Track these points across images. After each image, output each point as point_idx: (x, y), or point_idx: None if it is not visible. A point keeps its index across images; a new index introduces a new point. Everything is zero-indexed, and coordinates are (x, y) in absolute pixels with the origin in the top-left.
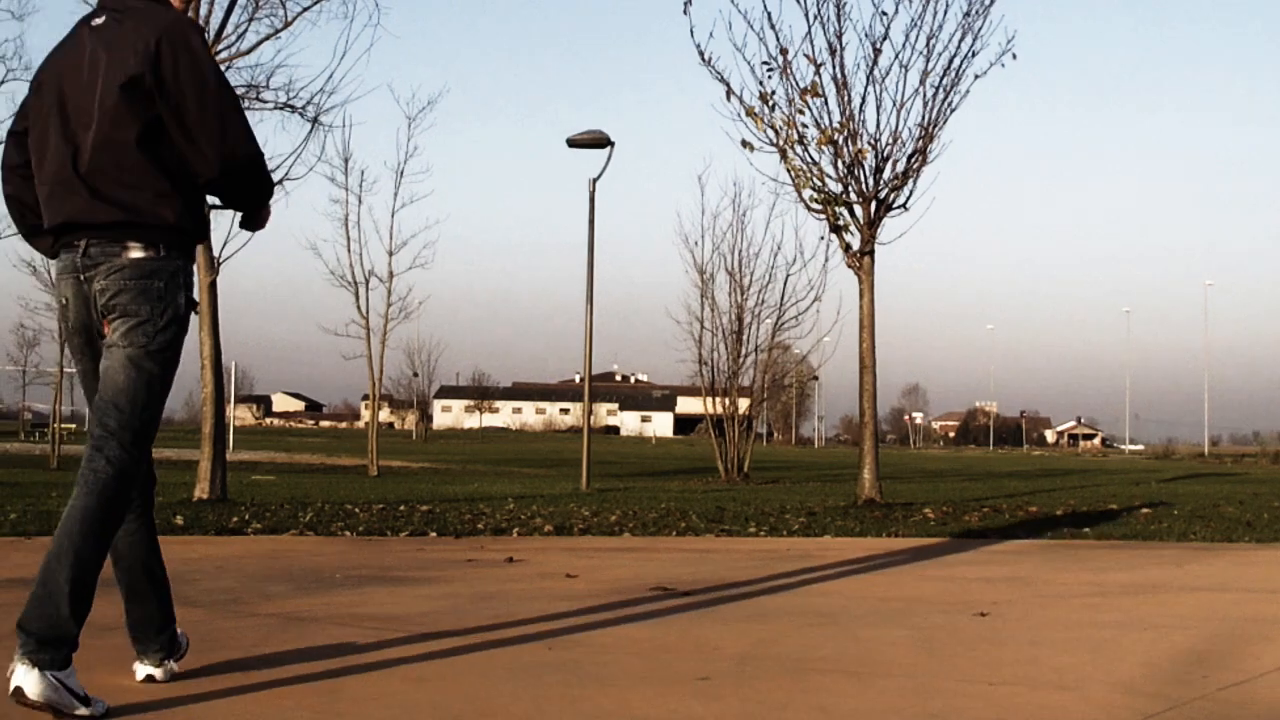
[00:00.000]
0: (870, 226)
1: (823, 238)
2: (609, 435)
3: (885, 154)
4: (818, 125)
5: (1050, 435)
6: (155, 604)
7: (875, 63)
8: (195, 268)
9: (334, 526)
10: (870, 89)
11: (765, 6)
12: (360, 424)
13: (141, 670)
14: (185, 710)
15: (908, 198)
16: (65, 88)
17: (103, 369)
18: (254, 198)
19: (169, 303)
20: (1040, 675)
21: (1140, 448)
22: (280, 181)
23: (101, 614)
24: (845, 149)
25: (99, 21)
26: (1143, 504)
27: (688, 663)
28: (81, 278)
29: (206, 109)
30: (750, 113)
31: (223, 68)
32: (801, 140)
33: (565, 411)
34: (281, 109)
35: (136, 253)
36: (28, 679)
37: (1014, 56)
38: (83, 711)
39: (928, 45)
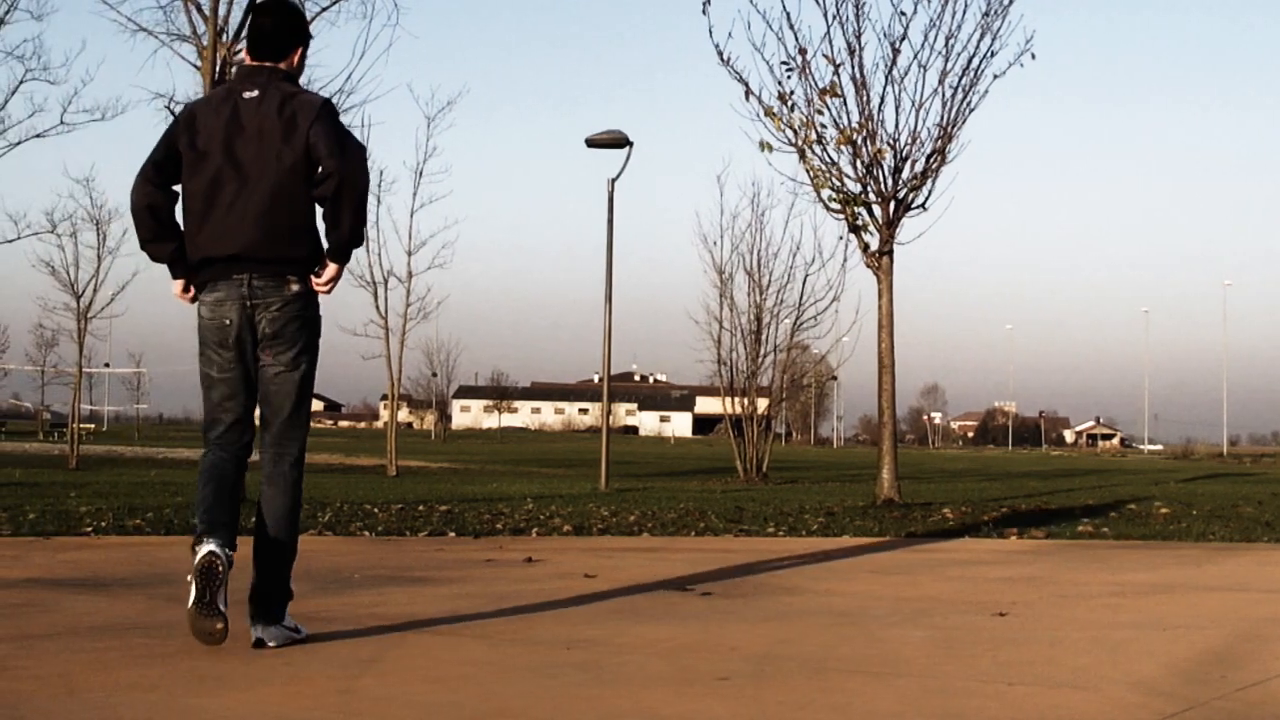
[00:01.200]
0: (889, 226)
1: (841, 238)
2: (628, 435)
3: (904, 154)
4: (836, 125)
5: (1069, 435)
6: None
7: (894, 63)
8: None
9: (353, 526)
10: (889, 89)
11: (784, 6)
12: (379, 424)
13: None
14: (202, 709)
15: (926, 198)
16: (235, 145)
17: (273, 390)
18: (357, 218)
19: (318, 327)
20: (1059, 675)
21: (1159, 448)
22: None
23: (117, 615)
24: (864, 149)
25: (253, 95)
26: (1161, 504)
27: (707, 663)
28: (247, 304)
29: (345, 148)
30: (769, 113)
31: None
32: (820, 140)
33: (584, 411)
34: None
35: (296, 286)
36: (267, 633)
37: (1033, 56)
38: (299, 635)
39: (946, 45)
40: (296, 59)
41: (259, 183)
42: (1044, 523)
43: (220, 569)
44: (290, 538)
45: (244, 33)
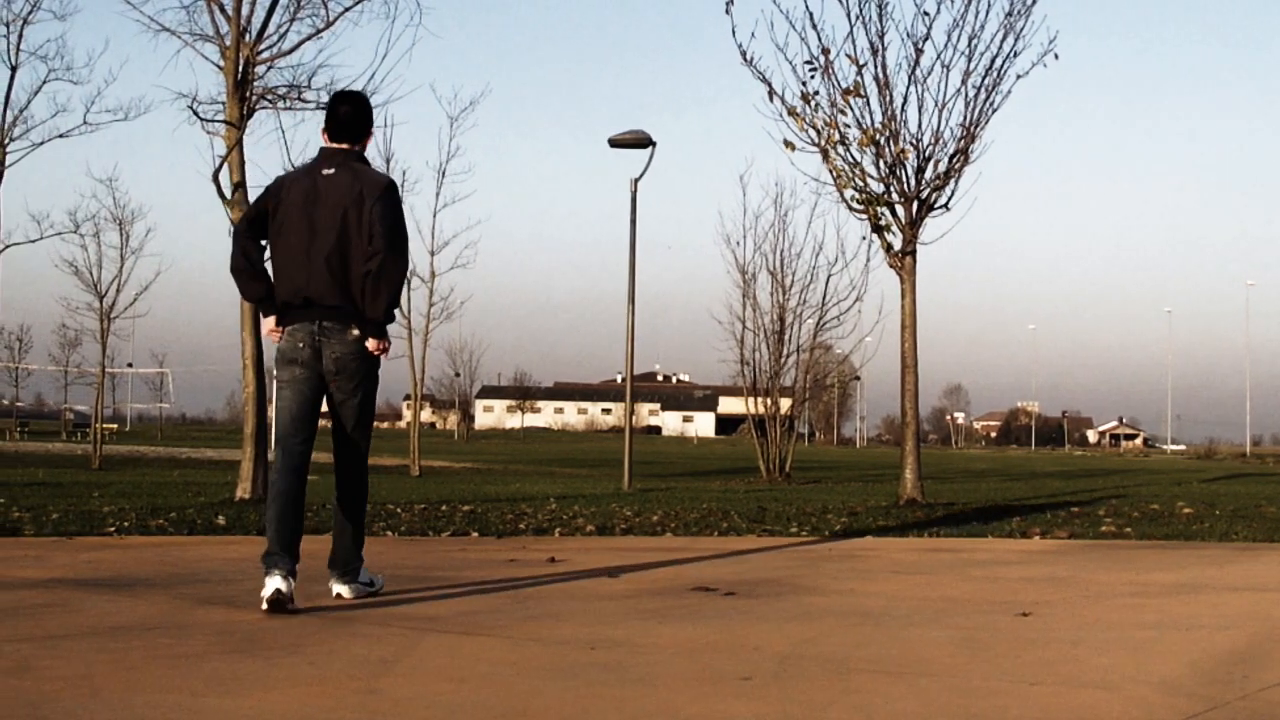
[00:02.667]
0: (912, 226)
1: (864, 238)
2: (651, 435)
3: (927, 154)
4: (859, 125)
5: (1092, 435)
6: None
7: (917, 63)
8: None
9: (376, 526)
10: (912, 89)
11: (807, 6)
12: (402, 424)
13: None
14: (225, 710)
15: (949, 198)
16: (312, 212)
17: (341, 413)
18: (391, 296)
19: (375, 364)
20: (1082, 675)
21: (1182, 448)
22: None
23: (140, 615)
24: (887, 149)
25: (330, 171)
26: (1184, 504)
27: (730, 663)
28: (316, 338)
29: (396, 232)
30: (792, 113)
31: (264, 68)
32: (843, 140)
33: (607, 411)
34: (323, 109)
35: (357, 332)
36: (345, 590)
37: (1056, 56)
38: (373, 589)
39: (969, 45)
40: (368, 141)
41: (329, 242)
42: (1066, 522)
43: (286, 604)
44: (352, 510)
45: (324, 118)
